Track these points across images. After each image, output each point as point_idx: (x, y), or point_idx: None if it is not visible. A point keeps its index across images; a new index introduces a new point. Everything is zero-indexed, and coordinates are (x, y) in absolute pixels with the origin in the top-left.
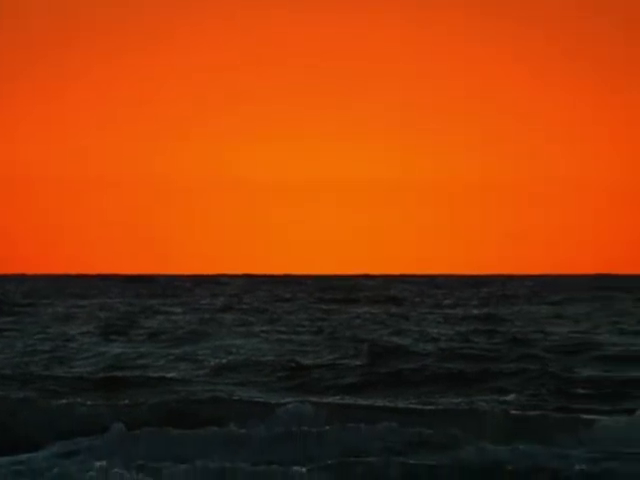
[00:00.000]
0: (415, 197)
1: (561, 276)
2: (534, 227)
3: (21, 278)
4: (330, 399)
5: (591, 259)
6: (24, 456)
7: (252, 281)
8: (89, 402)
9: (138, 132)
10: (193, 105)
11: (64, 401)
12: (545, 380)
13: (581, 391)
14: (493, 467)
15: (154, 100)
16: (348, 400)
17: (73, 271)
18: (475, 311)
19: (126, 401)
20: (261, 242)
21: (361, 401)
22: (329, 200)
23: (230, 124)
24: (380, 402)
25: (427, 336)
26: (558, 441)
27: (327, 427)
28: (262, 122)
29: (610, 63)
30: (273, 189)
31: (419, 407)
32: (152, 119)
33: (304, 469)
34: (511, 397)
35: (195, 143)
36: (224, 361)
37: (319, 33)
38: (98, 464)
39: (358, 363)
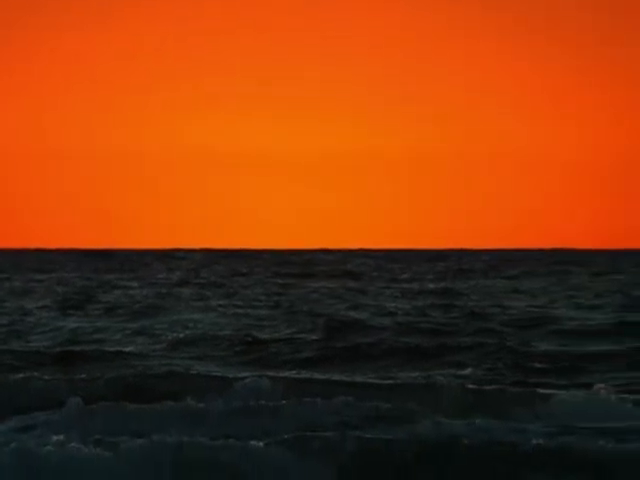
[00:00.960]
0: (372, 171)
1: (518, 250)
2: (491, 202)
3: None
4: (287, 373)
5: (548, 234)
6: None
7: (209, 255)
8: (46, 376)
9: (93, 104)
10: (148, 76)
11: (21, 375)
12: (502, 354)
13: (538, 365)
14: (450, 441)
15: (108, 72)
16: (305, 374)
17: (31, 245)
18: (432, 285)
19: (83, 375)
20: (219, 216)
21: (318, 375)
22: (287, 174)
23: (189, 95)
24: (337, 376)
25: (384, 310)
26: (515, 415)
27: (284, 401)
28: (221, 92)
29: (578, 43)
30: (230, 164)
31: (376, 381)
32: (106, 91)
33: (261, 443)
34: (468, 371)
35: (153, 115)
36: (181, 335)
37: (268, 5)
38: (55, 438)
39: (315, 337)
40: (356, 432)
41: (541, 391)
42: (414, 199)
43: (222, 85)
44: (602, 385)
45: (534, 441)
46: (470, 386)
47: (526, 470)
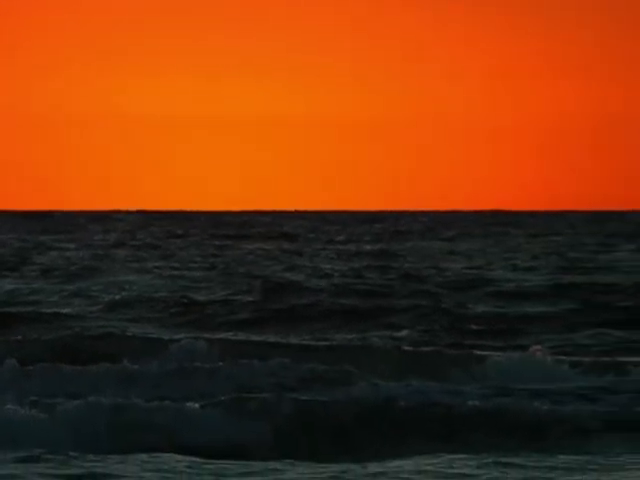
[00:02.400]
0: (307, 134)
1: (455, 212)
2: (428, 164)
3: None
4: (223, 335)
5: (485, 196)
6: None
7: (145, 217)
8: None
9: (31, 67)
10: (83, 39)
11: None
12: (438, 316)
13: (474, 327)
14: (386, 403)
15: (41, 34)
16: (241, 336)
17: None
18: (368, 247)
19: (19, 337)
20: (155, 178)
21: (254, 337)
22: (222, 137)
23: (124, 59)
24: (273, 338)
25: (320, 272)
26: (451, 377)
27: (220, 363)
28: (156, 56)
29: (508, 6)
30: (166, 125)
31: (312, 343)
32: (44, 54)
33: (197, 405)
34: (404, 333)
35: (88, 78)
36: (117, 297)
37: None
38: None
39: (251, 299)
40: (292, 394)
41: (477, 353)
42: (350, 161)
43: (157, 51)
44: (538, 347)
45: (470, 403)
46: (406, 348)
47: (462, 431)
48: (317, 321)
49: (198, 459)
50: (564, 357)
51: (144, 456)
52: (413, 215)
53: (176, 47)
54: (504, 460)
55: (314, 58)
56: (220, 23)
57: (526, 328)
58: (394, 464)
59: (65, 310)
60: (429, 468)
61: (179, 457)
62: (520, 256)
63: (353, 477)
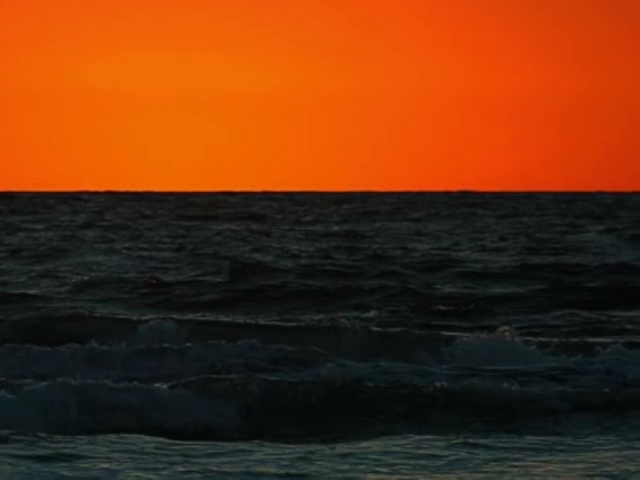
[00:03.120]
0: (276, 114)
1: (423, 193)
2: (396, 144)
3: None
4: (191, 316)
5: (453, 177)
6: None
7: (114, 197)
8: None
9: None
10: (46, 12)
11: None
12: (406, 297)
13: (442, 308)
14: (354, 384)
15: (1, 7)
16: (210, 317)
17: None
18: (336, 228)
19: None
20: (123, 159)
21: (222, 318)
22: (190, 116)
23: (90, 35)
24: (242, 319)
25: (288, 253)
26: (419, 358)
27: (188, 344)
28: (122, 33)
29: None
30: (133, 105)
31: (280, 324)
32: (5, 28)
33: (166, 386)
34: (372, 314)
35: (52, 54)
36: (86, 278)
37: None
38: None
39: (219, 280)
40: (261, 375)
41: (445, 334)
42: (318, 142)
43: (122, 25)
44: (506, 328)
45: (438, 384)
46: (374, 329)
47: (430, 412)
48: (285, 302)
49: (166, 440)
50: (532, 338)
51: (113, 437)
52: (381, 196)
53: (143, 26)
54: (472, 441)
55: (282, 34)
56: (182, 3)
57: (494, 309)
58: (362, 445)
59: (33, 291)
60: (397, 449)
61: (147, 438)
62: (488, 237)
63: (321, 458)
